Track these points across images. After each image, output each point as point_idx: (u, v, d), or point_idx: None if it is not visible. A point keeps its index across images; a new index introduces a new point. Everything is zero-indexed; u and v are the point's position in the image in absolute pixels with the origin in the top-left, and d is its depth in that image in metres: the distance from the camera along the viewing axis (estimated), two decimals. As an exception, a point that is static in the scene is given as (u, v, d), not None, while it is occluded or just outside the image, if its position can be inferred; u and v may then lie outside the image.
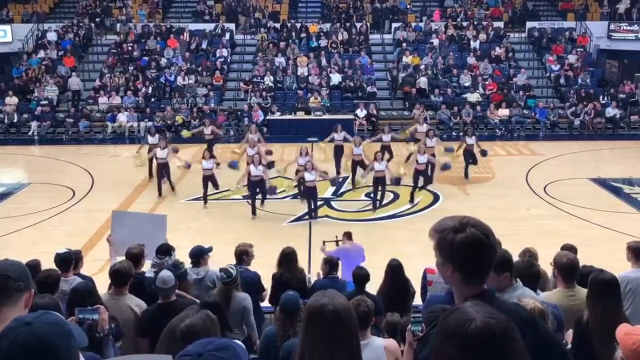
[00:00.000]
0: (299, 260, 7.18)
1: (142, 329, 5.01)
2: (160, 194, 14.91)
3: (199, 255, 6.66)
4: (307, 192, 13.64)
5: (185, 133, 19.19)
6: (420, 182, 14.69)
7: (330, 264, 6.92)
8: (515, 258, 4.88)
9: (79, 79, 24.84)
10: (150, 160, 15.78)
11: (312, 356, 2.36)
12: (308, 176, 13.30)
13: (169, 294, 5.12)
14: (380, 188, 14.09)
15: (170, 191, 15.18)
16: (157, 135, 16.29)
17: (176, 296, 5.26)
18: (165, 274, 5.13)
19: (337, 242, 8.96)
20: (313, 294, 2.53)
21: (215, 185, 14.52)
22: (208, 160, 14.33)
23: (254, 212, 13.70)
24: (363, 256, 8.39)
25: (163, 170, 14.99)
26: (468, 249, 2.15)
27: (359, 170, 15.16)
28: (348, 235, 8.90)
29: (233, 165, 15.34)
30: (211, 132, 17.68)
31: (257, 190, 13.90)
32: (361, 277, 6.20)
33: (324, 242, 8.97)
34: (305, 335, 2.40)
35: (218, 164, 15.41)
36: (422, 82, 24.13)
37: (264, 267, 7.13)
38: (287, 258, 6.88)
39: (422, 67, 24.93)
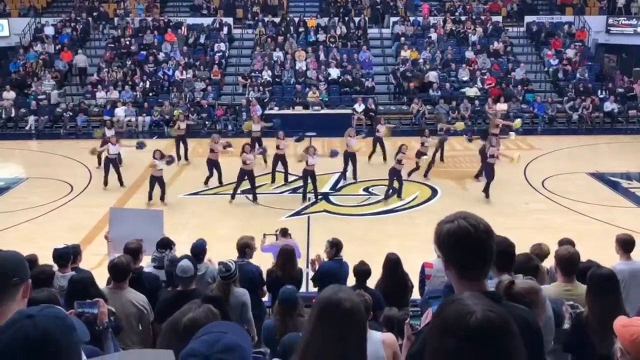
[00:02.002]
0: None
1: (160, 315, 5.08)
2: (105, 185, 15.28)
3: (200, 251, 6.67)
4: (306, 174, 14.21)
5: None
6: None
7: (336, 246, 7.02)
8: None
9: (85, 56, 25.46)
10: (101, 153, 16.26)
11: (319, 352, 2.20)
12: (310, 160, 14.03)
13: (189, 283, 5.33)
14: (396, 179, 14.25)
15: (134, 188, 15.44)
16: (113, 130, 16.99)
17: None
18: (185, 263, 5.31)
19: (276, 235, 8.89)
20: (326, 288, 2.36)
21: (162, 190, 13.99)
22: (160, 160, 13.85)
23: (233, 197, 14.18)
24: (297, 253, 7.86)
25: (110, 165, 15.23)
26: (454, 239, 2.17)
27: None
28: (283, 232, 8.74)
29: (141, 147, 15.80)
30: (187, 127, 17.99)
31: (245, 177, 14.11)
32: (362, 272, 6.22)
33: (264, 234, 8.93)
34: (314, 329, 2.24)
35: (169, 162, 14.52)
36: (432, 75, 24.11)
37: (262, 262, 7.15)
38: (285, 256, 6.89)
39: (421, 61, 24.91)
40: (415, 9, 28.63)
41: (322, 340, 2.20)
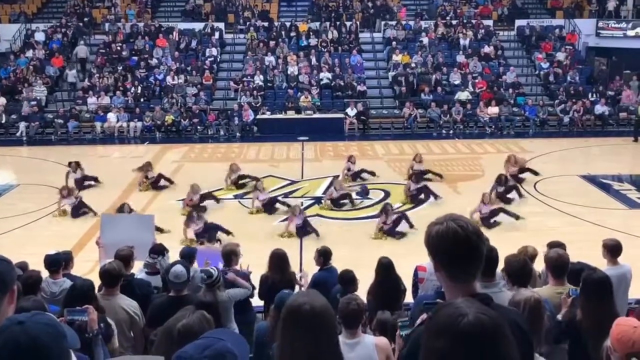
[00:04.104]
0: (290, 259, 7.15)
1: (152, 320, 5.05)
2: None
3: (189, 255, 6.65)
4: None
5: None
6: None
7: (324, 255, 6.98)
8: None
9: (87, 48, 26.06)
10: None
11: (292, 355, 2.31)
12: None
13: (181, 288, 5.28)
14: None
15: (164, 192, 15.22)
16: (78, 173, 15.61)
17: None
18: (179, 268, 5.26)
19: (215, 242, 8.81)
20: (293, 295, 2.47)
21: None
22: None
23: None
24: (214, 262, 7.53)
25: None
26: (442, 240, 2.18)
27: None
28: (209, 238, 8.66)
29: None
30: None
31: None
32: (347, 278, 6.17)
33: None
34: (283, 335, 2.35)
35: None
36: None
37: (256, 267, 7.11)
38: (276, 260, 6.86)
39: (412, 65, 25.00)
40: (435, 9, 28.73)
41: (291, 344, 2.31)
